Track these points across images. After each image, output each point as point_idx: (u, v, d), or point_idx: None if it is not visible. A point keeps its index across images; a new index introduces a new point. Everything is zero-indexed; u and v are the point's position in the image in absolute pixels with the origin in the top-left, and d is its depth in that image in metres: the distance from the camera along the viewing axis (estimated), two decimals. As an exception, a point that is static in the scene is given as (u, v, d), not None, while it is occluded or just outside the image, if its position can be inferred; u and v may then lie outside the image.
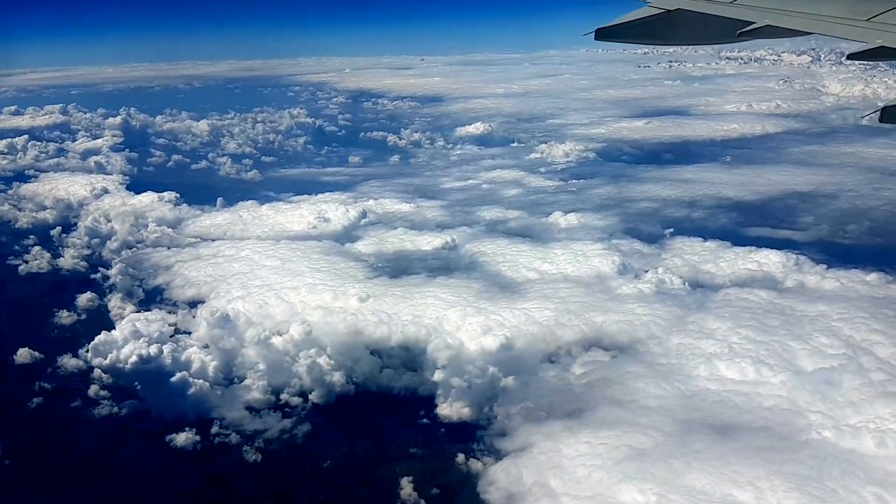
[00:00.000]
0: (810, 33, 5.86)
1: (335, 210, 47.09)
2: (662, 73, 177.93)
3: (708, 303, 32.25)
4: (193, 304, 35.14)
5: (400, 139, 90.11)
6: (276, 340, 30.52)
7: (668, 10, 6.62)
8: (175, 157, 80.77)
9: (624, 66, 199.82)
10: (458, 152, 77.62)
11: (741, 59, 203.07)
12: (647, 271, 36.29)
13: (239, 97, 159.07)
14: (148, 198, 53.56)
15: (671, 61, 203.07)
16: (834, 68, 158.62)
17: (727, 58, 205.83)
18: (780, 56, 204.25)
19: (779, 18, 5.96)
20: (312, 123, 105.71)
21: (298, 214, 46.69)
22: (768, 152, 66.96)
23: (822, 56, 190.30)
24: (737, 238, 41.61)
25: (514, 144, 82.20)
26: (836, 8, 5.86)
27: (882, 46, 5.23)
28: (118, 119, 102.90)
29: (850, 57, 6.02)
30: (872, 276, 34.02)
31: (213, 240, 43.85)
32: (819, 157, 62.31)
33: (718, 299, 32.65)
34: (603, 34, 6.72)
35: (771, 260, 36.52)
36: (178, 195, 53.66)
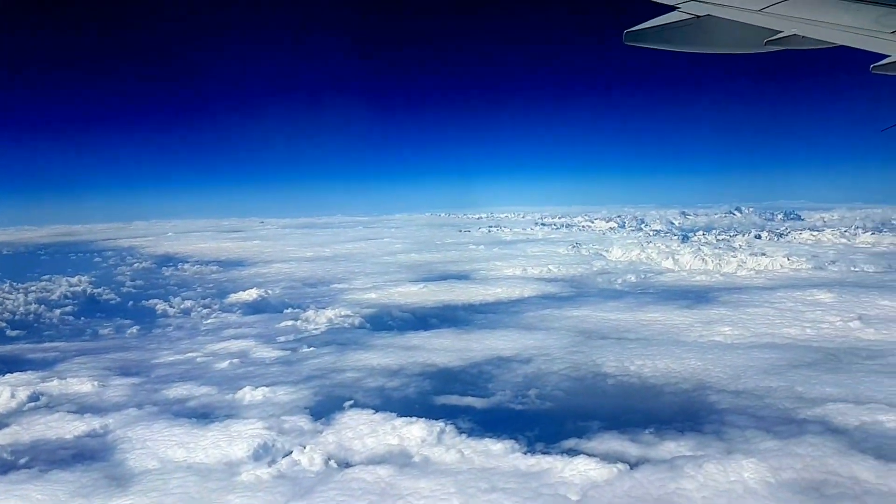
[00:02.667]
0: (835, 44, 5.95)
1: (-3, 394, 43.38)
2: (480, 237, 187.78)
3: (321, 486, 31.33)
4: None
5: (171, 307, 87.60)
6: None
7: (698, 16, 6.57)
8: None
9: (448, 231, 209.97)
10: (213, 321, 75.74)
11: (555, 224, 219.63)
12: (290, 453, 35.32)
13: (41, 264, 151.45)
14: None
15: (491, 226, 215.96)
16: (626, 233, 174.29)
17: (542, 223, 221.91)
18: (592, 222, 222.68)
19: (806, 29, 6.04)
20: (84, 292, 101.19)
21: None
22: (507, 317, 69.97)
23: (626, 223, 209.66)
24: (415, 408, 41.76)
25: (288, 311, 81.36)
26: (862, 20, 5.81)
27: None
28: None
29: (875, 69, 6.04)
30: (498, 446, 34.66)
31: None
32: (546, 321, 65.61)
33: (336, 480, 31.86)
34: (632, 37, 6.75)
35: (413, 433, 36.58)
36: None
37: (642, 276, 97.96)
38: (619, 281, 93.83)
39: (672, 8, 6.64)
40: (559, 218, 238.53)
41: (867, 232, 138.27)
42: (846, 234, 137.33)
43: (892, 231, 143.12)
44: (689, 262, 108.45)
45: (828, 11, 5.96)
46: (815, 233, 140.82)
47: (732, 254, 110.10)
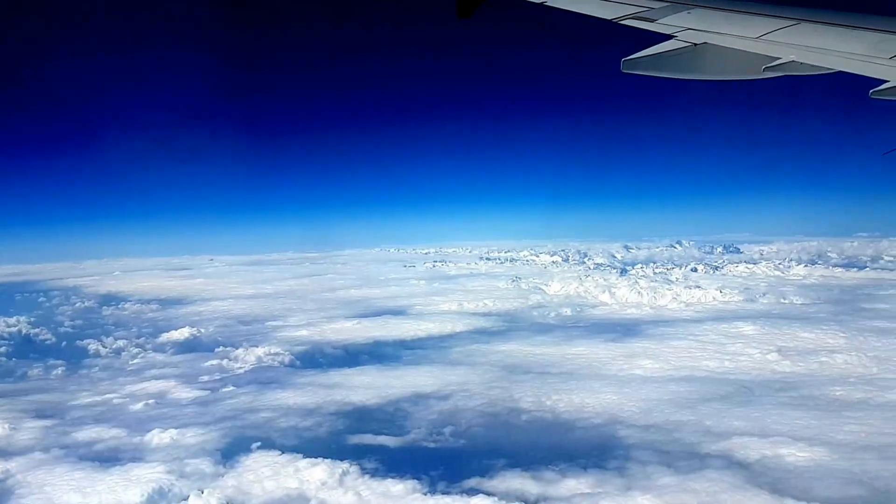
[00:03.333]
0: (833, 70, 5.88)
1: None
2: (424, 272, 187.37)
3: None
4: None
5: (103, 347, 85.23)
6: None
7: (695, 44, 6.58)
8: None
9: (393, 266, 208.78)
10: (139, 360, 73.65)
11: (499, 258, 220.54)
12: (186, 497, 34.33)
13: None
14: None
15: (436, 261, 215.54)
16: (567, 267, 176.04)
17: (487, 258, 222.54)
18: (537, 256, 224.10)
19: (804, 55, 5.98)
20: (20, 333, 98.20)
21: None
22: (435, 352, 69.54)
23: (570, 257, 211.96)
24: (326, 448, 40.95)
25: (218, 349, 79.55)
26: (860, 46, 5.84)
27: None
28: None
29: (874, 94, 5.96)
30: (399, 487, 34.23)
31: None
32: (471, 357, 65.41)
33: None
34: (629, 65, 6.71)
35: (314, 476, 35.91)
36: None
37: (577, 310, 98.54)
38: (553, 315, 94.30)
39: (669, 36, 6.81)
40: (505, 252, 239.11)
41: (801, 264, 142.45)
42: (780, 266, 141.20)
43: (826, 263, 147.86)
44: (625, 296, 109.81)
45: (826, 38, 6.12)
46: (750, 266, 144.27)
47: (668, 287, 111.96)
